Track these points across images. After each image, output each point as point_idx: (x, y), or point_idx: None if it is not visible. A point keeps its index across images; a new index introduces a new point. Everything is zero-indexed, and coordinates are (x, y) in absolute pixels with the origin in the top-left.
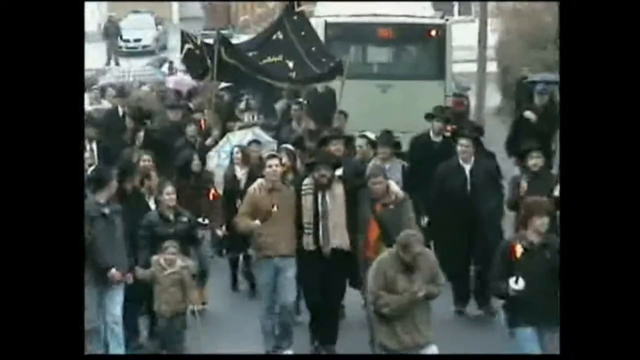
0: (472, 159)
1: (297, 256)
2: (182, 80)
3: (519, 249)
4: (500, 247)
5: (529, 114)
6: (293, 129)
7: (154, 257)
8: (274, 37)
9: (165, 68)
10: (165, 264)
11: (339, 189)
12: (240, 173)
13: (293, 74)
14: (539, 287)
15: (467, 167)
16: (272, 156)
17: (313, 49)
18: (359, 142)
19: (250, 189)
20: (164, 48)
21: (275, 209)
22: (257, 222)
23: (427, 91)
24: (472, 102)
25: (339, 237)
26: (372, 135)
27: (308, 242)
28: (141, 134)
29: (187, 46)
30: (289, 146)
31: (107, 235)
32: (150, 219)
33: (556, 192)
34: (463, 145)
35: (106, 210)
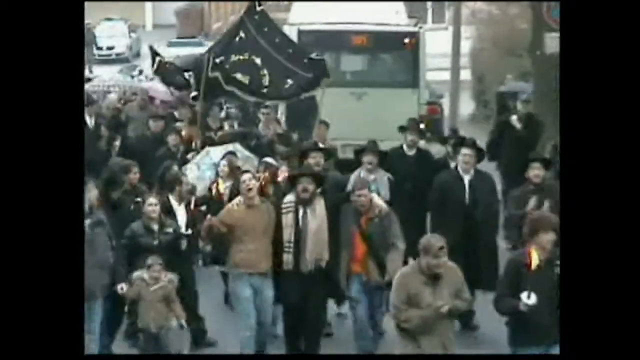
0: (472, 170)
1: (277, 275)
2: (156, 87)
3: (534, 259)
4: (506, 263)
5: (515, 119)
6: (261, 133)
7: (136, 274)
8: (237, 38)
9: (142, 76)
10: (150, 280)
11: (320, 205)
12: (224, 186)
13: (264, 71)
14: (546, 304)
15: (467, 178)
16: (245, 171)
17: (277, 40)
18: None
19: (229, 204)
20: (137, 55)
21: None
22: (210, 217)
23: (401, 99)
24: (446, 109)
25: (318, 255)
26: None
27: (288, 260)
28: (117, 142)
29: (157, 59)
30: (270, 160)
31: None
32: (134, 230)
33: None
34: (466, 155)
35: (85, 221)
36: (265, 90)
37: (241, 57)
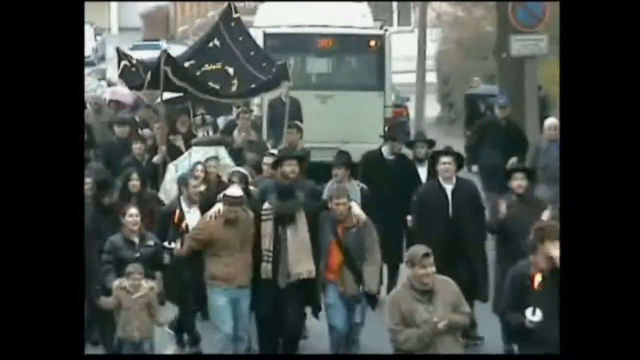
0: (454, 179)
1: (254, 284)
2: (118, 90)
3: (537, 278)
4: (511, 275)
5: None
6: (234, 138)
7: (116, 282)
8: (211, 44)
9: (104, 81)
10: (131, 288)
11: (300, 215)
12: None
13: (235, 81)
14: (551, 315)
15: (449, 188)
16: (236, 199)
17: (252, 53)
18: (265, 160)
19: (206, 215)
20: (102, 59)
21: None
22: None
23: (366, 102)
24: (412, 112)
25: (302, 265)
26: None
27: (267, 270)
28: None
29: (123, 63)
30: (241, 169)
31: None
32: (114, 242)
33: (544, 216)
34: (445, 163)
35: None
36: (212, 81)
37: (214, 67)
